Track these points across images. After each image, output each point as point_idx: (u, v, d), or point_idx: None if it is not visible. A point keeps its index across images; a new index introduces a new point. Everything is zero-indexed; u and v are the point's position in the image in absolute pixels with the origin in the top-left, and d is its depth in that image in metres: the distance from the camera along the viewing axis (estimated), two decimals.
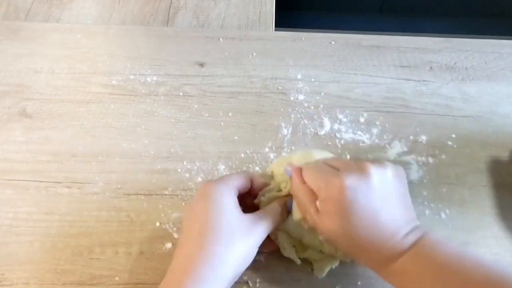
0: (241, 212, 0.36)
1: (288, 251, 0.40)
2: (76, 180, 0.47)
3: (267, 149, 0.49)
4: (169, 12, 0.67)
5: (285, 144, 0.50)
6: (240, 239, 0.34)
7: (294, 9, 0.95)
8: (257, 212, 0.38)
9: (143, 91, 0.54)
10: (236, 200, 0.37)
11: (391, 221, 0.35)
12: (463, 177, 0.48)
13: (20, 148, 0.49)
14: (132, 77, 0.56)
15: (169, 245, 0.43)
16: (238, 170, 0.47)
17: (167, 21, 0.65)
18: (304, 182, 0.37)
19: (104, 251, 0.42)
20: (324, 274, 0.40)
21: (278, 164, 0.43)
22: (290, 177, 0.39)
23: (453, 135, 0.51)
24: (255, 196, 0.41)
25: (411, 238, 0.34)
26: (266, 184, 0.42)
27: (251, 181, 0.41)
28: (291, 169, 0.39)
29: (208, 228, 0.34)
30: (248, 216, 0.36)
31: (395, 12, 0.99)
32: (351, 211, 0.34)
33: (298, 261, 0.40)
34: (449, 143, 0.50)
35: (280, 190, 0.41)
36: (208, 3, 0.68)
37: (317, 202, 0.35)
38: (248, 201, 0.41)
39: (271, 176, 0.43)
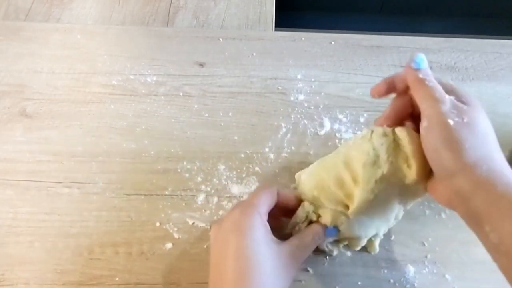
0: (278, 244, 0.35)
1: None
2: (76, 180, 0.47)
3: (267, 149, 0.49)
4: (169, 12, 0.67)
5: (285, 144, 0.50)
6: (283, 277, 0.34)
7: (294, 9, 0.95)
8: (293, 241, 0.36)
9: (143, 91, 0.54)
10: (269, 229, 0.36)
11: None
12: None
13: (20, 148, 0.49)
14: (132, 77, 0.56)
15: (169, 245, 0.43)
16: (238, 171, 0.47)
17: (167, 21, 0.66)
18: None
19: (104, 251, 0.42)
20: (377, 249, 0.42)
21: (308, 180, 0.39)
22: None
23: None
24: (279, 207, 0.39)
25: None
26: (290, 198, 0.40)
27: (277, 194, 0.39)
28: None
29: (250, 271, 0.32)
30: (286, 248, 0.35)
31: (395, 12, 0.99)
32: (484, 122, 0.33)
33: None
34: None
35: (306, 219, 0.39)
36: (208, 3, 0.68)
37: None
38: (274, 211, 0.39)
39: (296, 191, 0.40)
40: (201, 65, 0.57)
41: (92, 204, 0.45)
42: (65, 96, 0.54)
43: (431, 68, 0.56)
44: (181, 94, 0.54)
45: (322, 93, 0.54)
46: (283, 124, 0.51)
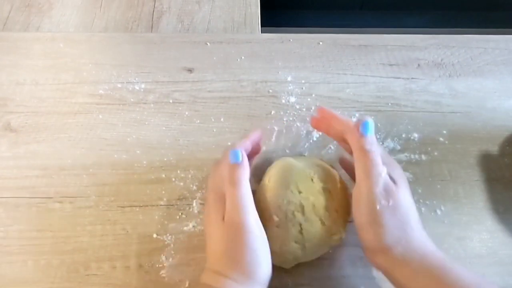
0: None
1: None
2: (68, 194, 0.46)
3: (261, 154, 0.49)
4: (152, 17, 0.66)
5: (279, 148, 0.49)
6: None
7: (277, 8, 0.95)
8: None
9: (132, 100, 0.53)
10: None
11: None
12: (456, 173, 0.48)
13: (6, 164, 0.48)
14: (119, 85, 0.55)
15: (168, 256, 0.42)
16: None
17: (151, 26, 0.64)
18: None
19: (101, 266, 0.41)
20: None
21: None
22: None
23: (444, 131, 0.51)
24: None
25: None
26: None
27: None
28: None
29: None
30: None
31: (377, 8, 1.00)
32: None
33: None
34: (441, 139, 0.51)
35: None
36: (193, 7, 0.67)
37: (385, 169, 0.36)
38: None
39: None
40: (190, 70, 0.56)
41: (85, 218, 0.44)
42: (50, 108, 0.52)
43: (418, 65, 0.58)
44: (170, 101, 0.53)
45: (313, 95, 0.54)
46: (276, 128, 0.51)
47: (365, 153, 0.36)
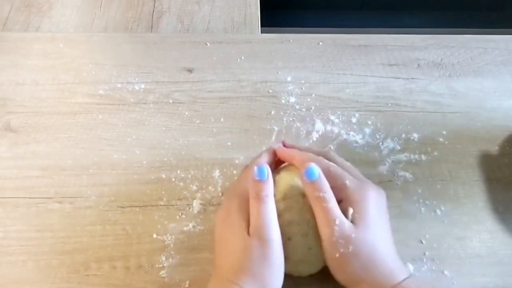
0: None
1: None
2: (67, 194, 0.46)
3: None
4: (152, 17, 0.66)
5: None
6: None
7: (277, 8, 0.95)
8: None
9: (132, 100, 0.53)
10: None
11: (393, 250, 0.37)
12: (455, 173, 0.48)
13: (6, 164, 0.48)
14: (119, 85, 0.55)
15: (168, 256, 0.42)
16: (235, 178, 0.47)
17: (151, 26, 0.64)
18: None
19: (101, 266, 0.41)
20: None
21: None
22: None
23: (444, 132, 0.51)
24: None
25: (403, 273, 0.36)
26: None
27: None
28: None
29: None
30: None
31: (378, 8, 1.00)
32: (382, 220, 0.38)
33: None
34: (441, 139, 0.51)
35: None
36: (192, 7, 0.67)
37: (350, 211, 0.36)
38: None
39: None
40: (190, 70, 0.56)
41: (85, 218, 0.44)
42: (50, 108, 0.52)
43: (418, 65, 0.58)
44: (170, 101, 0.53)
45: (313, 95, 0.54)
46: (275, 128, 0.51)
47: (315, 202, 0.36)
